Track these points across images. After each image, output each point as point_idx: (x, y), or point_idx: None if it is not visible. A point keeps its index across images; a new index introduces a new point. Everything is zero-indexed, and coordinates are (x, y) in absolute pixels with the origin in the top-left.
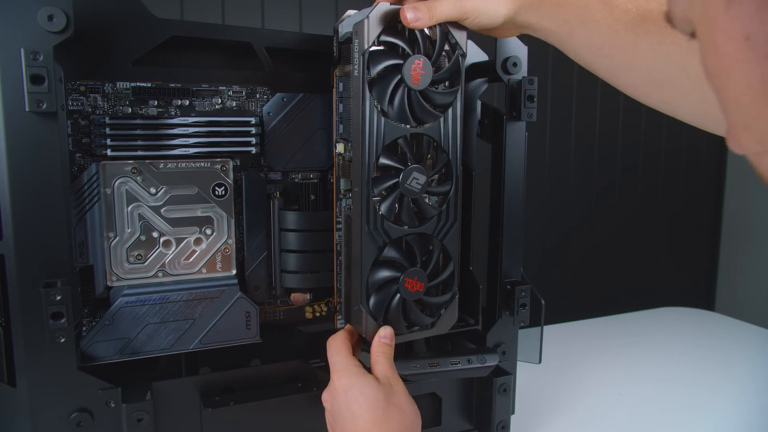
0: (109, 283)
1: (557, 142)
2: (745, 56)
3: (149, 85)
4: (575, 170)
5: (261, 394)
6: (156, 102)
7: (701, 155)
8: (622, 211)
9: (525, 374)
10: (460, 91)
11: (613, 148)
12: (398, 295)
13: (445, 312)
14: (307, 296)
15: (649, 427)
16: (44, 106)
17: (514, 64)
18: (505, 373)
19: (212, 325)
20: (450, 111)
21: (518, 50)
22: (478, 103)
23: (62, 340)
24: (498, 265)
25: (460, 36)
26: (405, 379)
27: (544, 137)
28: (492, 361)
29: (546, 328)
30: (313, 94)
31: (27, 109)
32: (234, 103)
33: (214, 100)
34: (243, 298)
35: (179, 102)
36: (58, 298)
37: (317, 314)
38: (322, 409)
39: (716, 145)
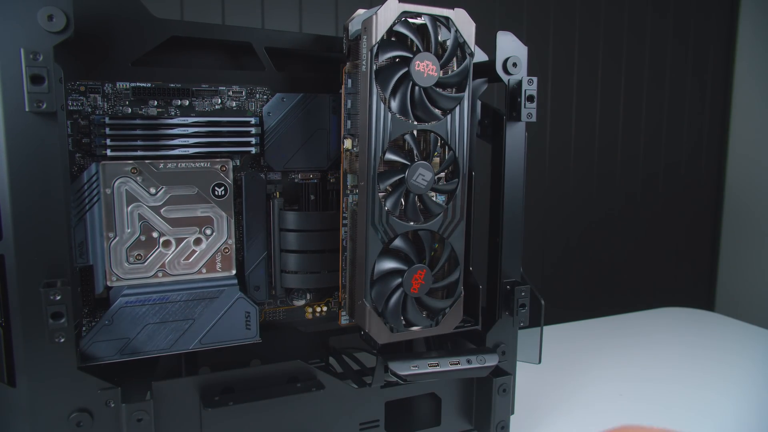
0: (108, 283)
1: (557, 142)
2: None
3: (149, 85)
4: (575, 170)
5: (261, 394)
6: (156, 102)
7: (702, 155)
8: (622, 212)
9: (525, 374)
10: (468, 89)
11: (613, 149)
12: (400, 289)
13: (450, 311)
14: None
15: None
16: (44, 106)
17: (514, 65)
18: (504, 374)
19: (212, 325)
20: (457, 109)
21: (518, 50)
22: (478, 104)
23: (62, 340)
24: (498, 266)
25: (468, 34)
26: (404, 380)
27: (544, 137)
28: (491, 361)
29: (546, 328)
30: (313, 94)
31: (27, 109)
32: (234, 103)
33: (213, 101)
34: (243, 298)
35: (179, 102)
36: (58, 298)
37: (317, 314)
38: (322, 409)
39: (717, 145)
